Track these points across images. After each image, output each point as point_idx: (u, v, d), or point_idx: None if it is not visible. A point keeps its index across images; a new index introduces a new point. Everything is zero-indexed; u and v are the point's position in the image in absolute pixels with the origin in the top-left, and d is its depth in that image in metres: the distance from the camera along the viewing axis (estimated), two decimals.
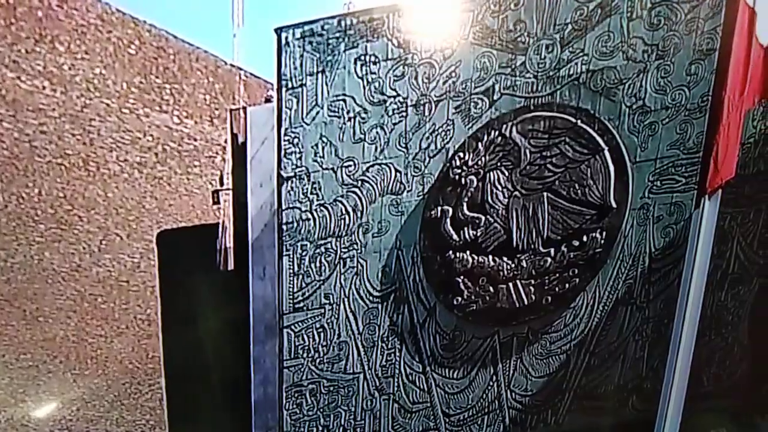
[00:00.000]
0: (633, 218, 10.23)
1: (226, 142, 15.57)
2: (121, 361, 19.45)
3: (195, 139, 19.18)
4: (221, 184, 14.97)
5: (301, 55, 11.48)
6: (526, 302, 10.74)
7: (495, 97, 10.79)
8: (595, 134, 10.25)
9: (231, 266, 14.01)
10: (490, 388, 11.12)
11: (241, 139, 13.73)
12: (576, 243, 10.44)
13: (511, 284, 10.80)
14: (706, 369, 10.03)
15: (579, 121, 10.32)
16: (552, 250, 10.57)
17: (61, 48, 17.22)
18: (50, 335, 18.78)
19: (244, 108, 13.90)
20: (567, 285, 10.54)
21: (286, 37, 11.54)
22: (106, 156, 18.25)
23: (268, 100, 14.26)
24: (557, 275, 10.57)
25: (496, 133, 10.80)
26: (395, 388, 11.65)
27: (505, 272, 10.81)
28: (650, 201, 10.17)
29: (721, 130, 7.84)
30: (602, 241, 10.34)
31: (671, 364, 8.11)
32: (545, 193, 10.56)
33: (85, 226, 18.46)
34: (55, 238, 18.27)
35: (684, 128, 9.90)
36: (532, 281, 10.69)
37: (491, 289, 10.90)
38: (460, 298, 11.09)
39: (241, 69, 18.82)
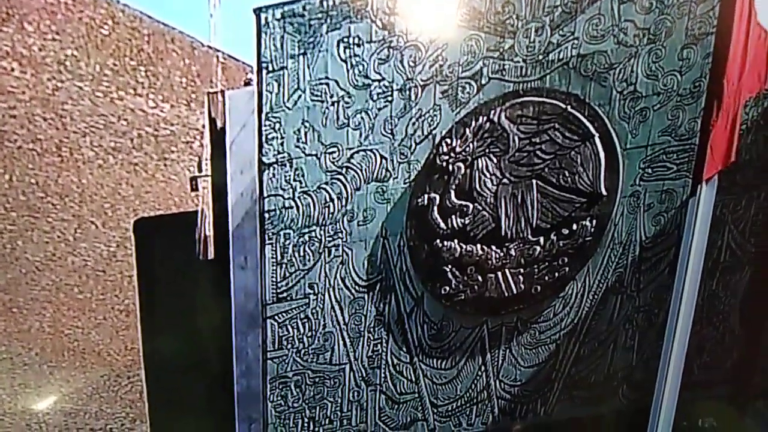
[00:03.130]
0: (623, 206, 10.34)
1: (204, 126, 15.20)
2: (99, 353, 19.28)
3: (172, 124, 18.87)
4: (200, 170, 14.78)
5: (282, 37, 11.24)
6: (515, 291, 10.84)
7: (483, 82, 10.80)
8: (585, 120, 10.34)
9: (211, 255, 13.84)
10: (478, 378, 11.21)
11: (219, 124, 13.54)
12: (566, 231, 10.55)
13: (499, 273, 10.89)
14: (697, 358, 10.18)
15: (569, 107, 10.41)
16: (541, 239, 10.67)
17: (30, 28, 16.97)
18: (25, 327, 18.68)
19: (223, 91, 13.63)
20: (556, 274, 10.64)
21: (266, 18, 11.26)
22: (79, 141, 18.01)
23: (247, 84, 14.04)
24: (546, 264, 10.66)
25: (485, 118, 10.84)
26: (382, 379, 11.72)
27: (494, 261, 10.88)
28: (641, 188, 10.27)
29: (721, 116, 7.88)
30: (592, 230, 10.45)
31: (666, 354, 8.20)
32: (534, 181, 10.64)
33: (59, 214, 18.27)
34: (28, 227, 18.13)
35: (676, 114, 9.99)
36: (521, 270, 10.78)
37: (480, 278, 10.98)
38: (448, 288, 11.16)
39: (218, 51, 18.36)
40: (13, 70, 16.95)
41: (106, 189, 18.48)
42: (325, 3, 11.04)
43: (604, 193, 10.38)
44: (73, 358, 19.12)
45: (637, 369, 10.60)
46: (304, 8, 11.06)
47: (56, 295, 18.73)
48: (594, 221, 10.47)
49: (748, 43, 7.95)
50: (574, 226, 10.53)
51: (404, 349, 11.60)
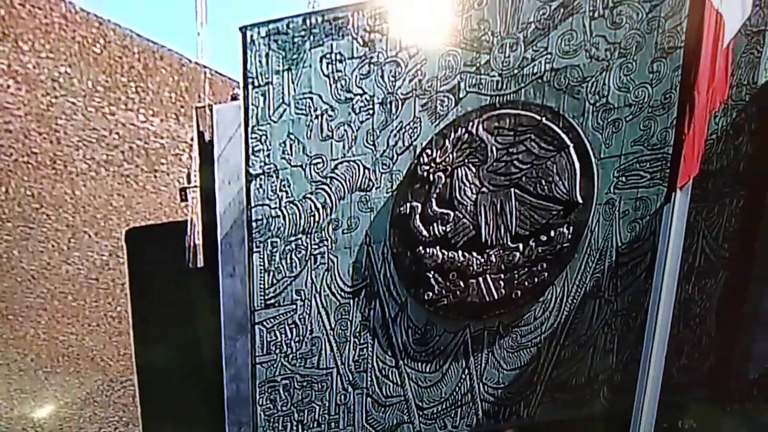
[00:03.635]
0: (599, 213, 10.25)
1: (192, 139, 15.32)
2: (93, 359, 19.12)
3: (161, 137, 18.83)
4: (188, 181, 14.69)
5: (267, 54, 11.15)
6: (496, 296, 10.72)
7: (461, 95, 10.70)
8: (560, 131, 10.26)
9: (201, 263, 13.73)
10: (462, 381, 11.08)
11: (207, 137, 13.47)
12: (544, 238, 10.44)
13: (480, 279, 10.76)
14: (675, 361, 10.07)
15: (544, 119, 10.32)
16: (520, 245, 10.56)
17: (25, 47, 16.94)
18: (21, 333, 18.52)
19: (210, 106, 13.48)
20: (536, 279, 10.53)
21: (252, 36, 11.17)
22: (72, 154, 17.94)
23: (234, 98, 13.94)
24: (526, 270, 10.55)
25: (463, 130, 10.73)
26: (368, 383, 11.56)
27: (475, 267, 10.77)
28: (616, 196, 10.18)
29: (693, 126, 7.80)
30: (569, 236, 10.35)
31: (646, 357, 8.10)
32: (512, 189, 10.54)
33: (53, 225, 18.17)
34: (23, 237, 18.00)
35: (648, 125, 9.93)
36: (502, 276, 10.67)
37: (461, 283, 10.85)
38: (431, 293, 11.02)
39: (206, 67, 18.44)
40: (9, 87, 16.92)
41: (99, 200, 18.39)
42: (308, 21, 10.95)
43: (580, 201, 10.30)
44: (67, 363, 18.91)
45: (617, 372, 10.50)
46: (287, 26, 10.98)
47: (51, 303, 18.57)
48: (571, 228, 10.39)
49: (716, 56, 7.87)
50: (552, 233, 10.43)
51: (390, 353, 11.45)
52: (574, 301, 10.51)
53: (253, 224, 11.65)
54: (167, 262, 14.19)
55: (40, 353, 18.76)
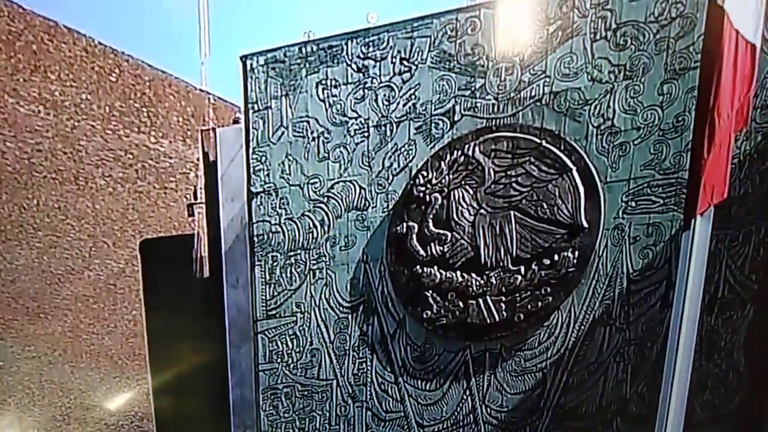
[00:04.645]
0: (607, 238, 8.04)
1: (198, 160, 14.31)
2: (112, 357, 18.05)
3: (170, 157, 17.69)
4: (195, 198, 13.43)
5: (266, 81, 9.94)
6: (497, 318, 8.56)
7: (456, 119, 8.87)
8: (561, 154, 8.13)
9: (207, 274, 12.19)
10: (464, 401, 8.96)
11: (212, 158, 11.79)
12: (547, 261, 8.25)
13: (480, 300, 8.65)
14: (699, 395, 7.75)
15: (544, 142, 8.24)
16: (522, 268, 8.40)
17: (52, 76, 15.88)
18: (50, 330, 17.17)
19: (214, 129, 12.05)
20: (539, 303, 8.34)
21: (251, 64, 10.03)
22: (93, 172, 16.76)
23: (236, 122, 12.57)
24: (529, 293, 8.39)
25: (459, 152, 8.83)
26: (368, 396, 9.63)
27: (474, 288, 8.67)
28: (625, 221, 7.98)
29: (713, 150, 5.73)
30: (575, 261, 8.15)
31: (666, 389, 6.00)
32: (512, 212, 8.45)
33: (77, 234, 16.90)
34: (51, 244, 16.70)
35: (659, 149, 7.74)
36: (503, 298, 8.53)
37: (460, 304, 8.77)
38: (429, 312, 8.99)
39: (209, 93, 17.29)
40: (39, 111, 15.88)
41: (116, 213, 17.26)
42: (303, 49, 9.69)
43: (585, 225, 8.13)
44: (89, 360, 17.86)
45: (631, 402, 8.30)
46: (285, 54, 9.82)
47: (75, 304, 17.31)
48: (576, 252, 8.23)
49: (736, 77, 5.80)
50: (556, 257, 8.28)
51: (389, 369, 9.47)
52: (582, 327, 8.34)
53: (255, 239, 10.31)
54: (176, 272, 12.58)
55: (66, 349, 17.48)
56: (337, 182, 9.62)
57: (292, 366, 10.05)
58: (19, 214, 16.07)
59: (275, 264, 10.09)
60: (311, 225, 9.84)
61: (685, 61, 7.45)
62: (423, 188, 8.99)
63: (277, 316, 10.10)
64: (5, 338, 16.40)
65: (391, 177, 9.28)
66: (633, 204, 7.90)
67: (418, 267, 9.03)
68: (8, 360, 16.57)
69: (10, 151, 15.58)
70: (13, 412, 16.98)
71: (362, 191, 9.46)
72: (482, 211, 8.60)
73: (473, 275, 8.67)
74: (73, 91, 16.09)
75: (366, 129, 9.38)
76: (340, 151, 9.57)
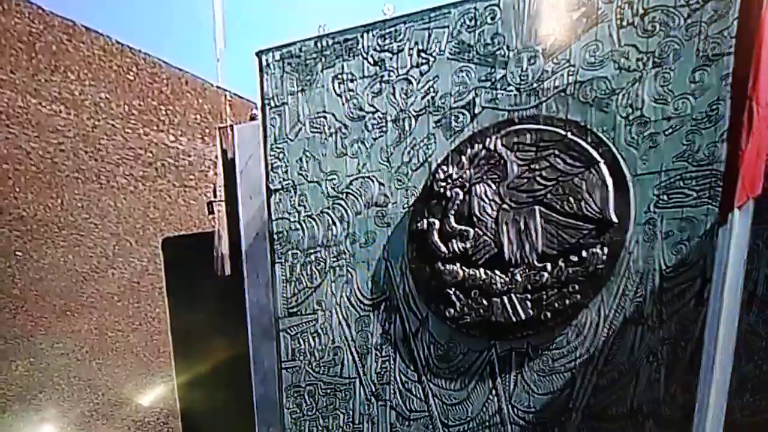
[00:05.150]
0: (638, 234, 7.51)
1: (216, 157, 13.79)
2: (137, 354, 17.90)
3: (189, 155, 17.61)
4: (215, 195, 13.06)
5: (282, 76, 9.57)
6: (522, 317, 8.06)
7: (476, 111, 8.37)
8: (588, 146, 7.59)
9: (228, 271, 11.82)
10: (490, 401, 8.48)
11: (230, 155, 11.53)
12: (575, 258, 7.71)
13: (505, 298, 8.15)
14: (738, 398, 7.25)
15: (569, 134, 7.71)
16: (548, 265, 7.88)
17: (72, 76, 15.88)
18: (77, 327, 16.99)
19: (231, 126, 11.66)
20: (567, 301, 7.82)
21: (267, 60, 9.67)
22: (114, 170, 16.70)
23: (253, 118, 12.24)
24: (556, 291, 7.86)
25: (480, 146, 8.32)
26: (391, 395, 9.20)
27: (499, 285, 8.18)
28: (657, 216, 7.44)
29: (752, 140, 5.25)
30: (604, 257, 7.61)
31: (703, 391, 5.55)
32: (537, 207, 7.94)
33: (100, 233, 16.80)
34: (76, 243, 16.60)
35: (691, 139, 7.19)
36: (528, 296, 8.02)
37: (484, 301, 8.29)
38: (452, 310, 8.52)
39: (226, 90, 17.23)
40: (60, 111, 15.85)
41: (138, 211, 17.17)
42: (319, 43, 9.28)
43: (614, 220, 7.60)
44: (116, 357, 17.71)
45: (664, 404, 7.82)
46: (300, 49, 9.43)
47: (100, 302, 17.15)
48: (605, 248, 7.69)
49: None
50: (584, 253, 7.75)
51: (412, 367, 9.04)
52: (613, 326, 7.83)
53: (275, 236, 9.95)
54: (198, 269, 12.30)
55: (93, 346, 17.31)
56: (356, 178, 9.24)
57: (314, 364, 9.68)
58: (44, 213, 15.97)
59: (295, 261, 9.74)
60: (330, 222, 9.47)
61: (719, 46, 6.90)
62: (443, 183, 8.53)
63: (299, 313, 9.74)
64: (35, 335, 16.27)
65: (410, 172, 8.85)
66: (665, 197, 7.36)
67: (439, 264, 8.58)
68: (38, 356, 16.43)
69: (34, 151, 15.51)
70: (44, 408, 16.81)
71: (381, 187, 9.06)
72: (505, 206, 8.11)
73: (497, 272, 8.18)
74: (92, 91, 16.01)
75: (384, 123, 8.97)
76: (358, 147, 9.18)
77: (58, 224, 16.14)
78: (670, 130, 7.26)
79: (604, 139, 7.52)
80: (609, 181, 7.52)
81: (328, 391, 9.61)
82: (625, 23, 7.34)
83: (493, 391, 8.42)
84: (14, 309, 15.94)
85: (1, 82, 14.77)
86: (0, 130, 14.91)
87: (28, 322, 16.17)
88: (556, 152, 7.74)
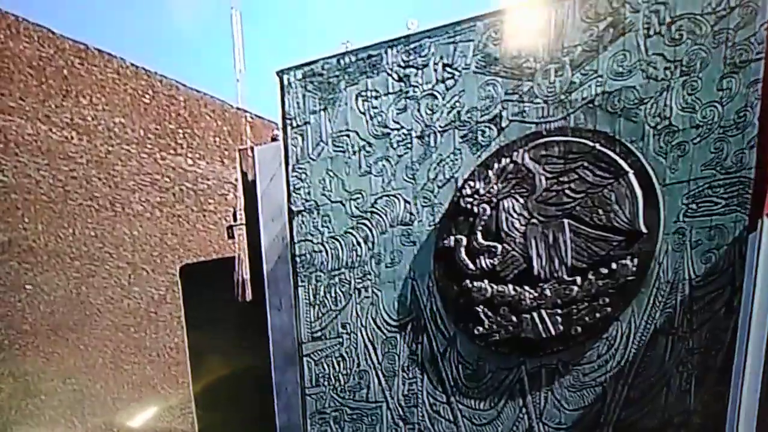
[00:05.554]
0: (668, 243, 7.91)
1: (236, 180, 14.32)
2: (154, 387, 17.88)
3: (208, 179, 17.85)
4: (235, 219, 13.60)
5: (304, 95, 10.05)
6: (553, 332, 8.47)
7: (503, 125, 8.84)
8: (616, 157, 8.04)
9: (249, 297, 12.31)
10: (520, 420, 8.85)
11: (250, 177, 12.11)
12: (604, 271, 8.14)
13: (534, 314, 8.56)
14: None
15: (597, 145, 8.16)
16: (578, 279, 8.31)
17: (84, 101, 16.12)
18: (90, 362, 17.10)
19: (252, 147, 12.30)
20: (597, 314, 8.22)
21: (288, 79, 10.16)
22: (129, 197, 16.92)
23: (274, 139, 12.70)
24: (586, 304, 8.27)
25: (507, 160, 8.80)
26: (419, 418, 9.56)
27: (528, 301, 8.60)
28: (686, 225, 7.85)
29: None
30: (634, 269, 8.03)
31: (735, 400, 5.90)
32: (566, 220, 8.37)
33: (115, 262, 16.97)
34: (89, 273, 16.75)
35: (719, 147, 7.61)
36: (558, 311, 8.43)
37: (514, 318, 8.70)
38: (481, 328, 8.93)
39: (246, 111, 17.50)
40: (72, 137, 16.08)
41: (154, 239, 17.31)
42: (342, 61, 9.78)
43: (644, 230, 8.03)
44: (132, 391, 17.72)
45: (695, 414, 8.15)
46: (322, 67, 9.91)
47: (115, 334, 17.24)
48: (635, 260, 8.12)
49: None
50: (614, 265, 8.17)
51: (440, 389, 9.43)
52: (643, 337, 8.20)
53: (297, 259, 10.37)
54: (218, 296, 12.74)
55: (107, 380, 17.42)
56: (381, 197, 9.63)
57: (339, 389, 10.03)
58: (55, 243, 16.18)
59: (319, 284, 10.13)
60: (355, 242, 9.86)
61: (746, 53, 7.34)
62: (470, 199, 8.96)
63: (323, 338, 10.12)
64: (47, 371, 16.37)
65: (436, 189, 9.25)
66: (694, 206, 7.77)
67: (467, 281, 8.99)
68: (50, 393, 16.53)
69: (44, 179, 15.76)
70: None
71: (407, 205, 9.46)
72: (534, 220, 8.55)
73: (526, 288, 8.60)
74: (106, 115, 16.34)
75: (409, 140, 9.38)
76: (383, 165, 9.58)
77: (70, 255, 16.38)
78: (698, 139, 7.68)
79: (633, 149, 7.95)
80: (638, 191, 7.95)
81: (354, 416, 9.97)
82: (652, 32, 7.80)
83: (524, 409, 8.79)
84: (24, 345, 16.04)
85: (10, 109, 15.09)
86: (8, 158, 15.15)
87: (39, 359, 16.30)
88: (585, 164, 8.18)
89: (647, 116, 7.89)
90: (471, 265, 8.95)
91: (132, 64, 16.57)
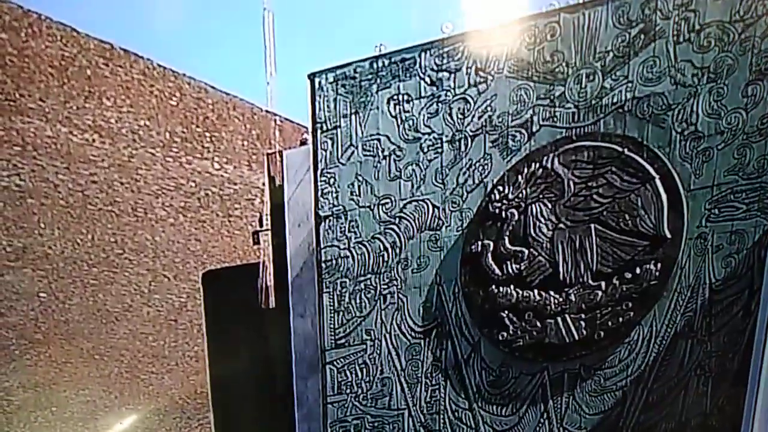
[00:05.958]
0: (690, 248, 8.47)
1: (263, 185, 14.46)
2: (172, 397, 18.40)
3: (235, 183, 18.40)
4: (261, 225, 14.03)
5: (335, 99, 10.63)
6: (576, 337, 9.03)
7: (534, 129, 9.40)
8: (644, 162, 8.62)
9: (272, 304, 12.77)
10: (541, 425, 9.38)
11: (278, 182, 12.62)
12: (629, 275, 8.71)
13: (559, 319, 9.13)
14: None
15: (626, 150, 8.74)
16: (603, 284, 8.87)
17: (108, 103, 16.60)
18: (105, 372, 17.66)
19: (280, 152, 12.82)
20: (620, 319, 8.79)
21: (320, 82, 10.72)
22: (152, 202, 17.43)
23: (303, 143, 13.21)
24: (609, 309, 8.84)
25: (537, 165, 9.36)
26: (441, 425, 10.08)
27: (553, 306, 9.16)
28: (708, 230, 8.40)
29: None
30: (657, 273, 8.60)
31: (750, 403, 6.41)
32: (592, 225, 8.95)
33: (135, 269, 17.50)
34: (107, 281, 17.27)
35: (742, 153, 8.18)
36: (582, 315, 9.00)
37: (538, 323, 9.25)
38: (505, 333, 9.48)
39: (276, 115, 18.04)
40: (94, 141, 16.51)
41: (177, 245, 17.81)
42: (374, 64, 10.34)
43: (668, 235, 8.61)
44: (148, 401, 18.15)
45: (711, 416, 8.64)
46: (355, 71, 10.48)
47: (133, 343, 17.76)
48: (659, 264, 8.69)
49: None
50: (638, 270, 8.75)
51: (463, 395, 9.96)
52: (664, 341, 8.73)
53: (323, 265, 10.90)
54: (241, 303, 13.20)
55: (123, 391, 17.90)
56: (410, 202, 10.15)
57: (361, 396, 10.53)
58: (72, 250, 16.57)
59: (344, 290, 10.64)
60: (382, 248, 10.37)
61: None
62: (499, 204, 9.51)
63: (347, 344, 10.62)
64: (58, 382, 16.87)
65: (465, 194, 9.78)
66: (716, 211, 8.31)
67: (493, 287, 9.54)
68: (61, 404, 16.94)
69: (62, 183, 16.16)
70: None
71: (435, 210, 9.98)
72: (561, 225, 9.11)
73: (551, 293, 9.15)
74: (130, 118, 16.77)
75: (439, 145, 9.91)
76: (413, 169, 10.10)
77: (87, 261, 16.78)
78: (723, 145, 8.24)
79: (660, 154, 8.52)
80: (664, 196, 8.52)
81: (376, 424, 10.49)
82: (681, 39, 8.38)
83: (545, 415, 9.31)
84: (36, 355, 16.50)
85: (29, 111, 15.47)
86: (26, 161, 15.52)
87: (51, 369, 16.74)
88: (613, 169, 8.75)
89: (674, 122, 8.46)
90: (497, 270, 9.51)
91: (159, 65, 17.01)
